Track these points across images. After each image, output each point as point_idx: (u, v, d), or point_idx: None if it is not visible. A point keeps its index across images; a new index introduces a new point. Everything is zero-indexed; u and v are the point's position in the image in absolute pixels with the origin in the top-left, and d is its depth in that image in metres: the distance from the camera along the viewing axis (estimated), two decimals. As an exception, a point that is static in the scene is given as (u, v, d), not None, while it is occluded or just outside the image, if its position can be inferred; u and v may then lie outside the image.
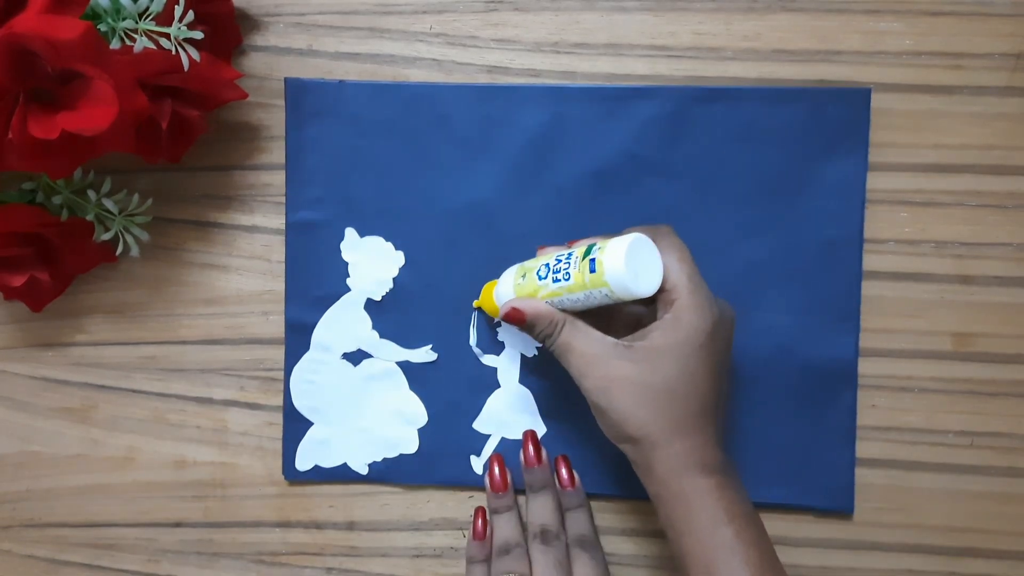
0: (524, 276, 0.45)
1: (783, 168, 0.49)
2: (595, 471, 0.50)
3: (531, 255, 0.50)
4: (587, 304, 0.42)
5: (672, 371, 0.40)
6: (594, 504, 0.51)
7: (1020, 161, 0.49)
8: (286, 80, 0.51)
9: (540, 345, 0.50)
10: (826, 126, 0.49)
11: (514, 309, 0.43)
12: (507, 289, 0.46)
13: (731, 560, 0.39)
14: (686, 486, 0.40)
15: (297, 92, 0.51)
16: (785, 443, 0.49)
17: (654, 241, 0.41)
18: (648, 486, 0.42)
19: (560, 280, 0.42)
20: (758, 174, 0.49)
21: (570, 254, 0.42)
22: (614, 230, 0.49)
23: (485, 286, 0.49)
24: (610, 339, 0.42)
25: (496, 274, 0.47)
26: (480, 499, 0.51)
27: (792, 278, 0.49)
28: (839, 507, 0.49)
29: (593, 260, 0.41)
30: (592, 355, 0.41)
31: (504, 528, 0.48)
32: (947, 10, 0.49)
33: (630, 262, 0.40)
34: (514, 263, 0.50)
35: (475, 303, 0.50)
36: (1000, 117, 0.49)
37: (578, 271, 0.41)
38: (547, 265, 0.43)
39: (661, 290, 0.41)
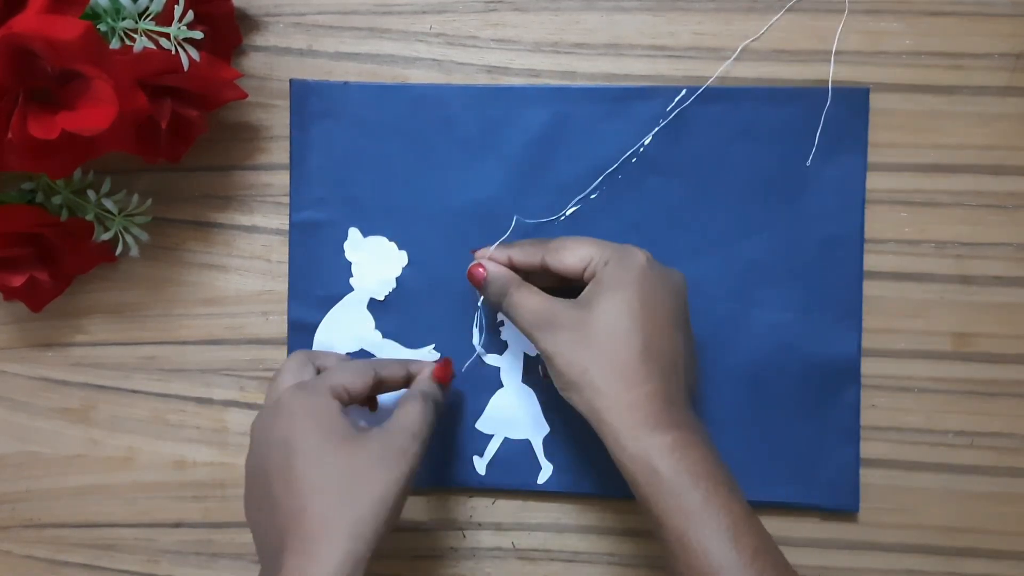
0: None
1: (783, 167, 0.49)
2: (596, 471, 0.50)
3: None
4: None
5: (610, 313, 0.41)
6: (594, 504, 0.51)
7: (1020, 161, 0.49)
8: (291, 81, 0.51)
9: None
10: (825, 125, 0.49)
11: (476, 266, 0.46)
12: None
13: (702, 530, 0.37)
14: (642, 444, 0.39)
15: (302, 93, 0.51)
16: (788, 442, 0.49)
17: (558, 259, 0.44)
18: (611, 453, 0.40)
19: None
20: (758, 173, 0.49)
21: None
22: (616, 228, 0.50)
23: None
24: (551, 298, 0.43)
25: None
26: (480, 499, 0.51)
27: (794, 276, 0.49)
28: (844, 506, 0.49)
29: None
30: (542, 309, 0.43)
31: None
32: (947, 10, 0.49)
33: None
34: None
35: None
36: (1000, 117, 0.49)
37: None
38: None
39: (584, 269, 0.43)
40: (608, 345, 0.41)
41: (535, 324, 0.43)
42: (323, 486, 0.40)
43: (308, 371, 0.46)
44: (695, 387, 0.44)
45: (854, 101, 0.49)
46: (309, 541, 0.39)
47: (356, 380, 0.45)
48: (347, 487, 0.40)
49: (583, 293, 0.43)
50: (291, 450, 0.41)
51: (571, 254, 0.43)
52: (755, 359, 0.49)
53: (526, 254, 0.45)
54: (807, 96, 0.49)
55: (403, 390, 0.48)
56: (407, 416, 0.44)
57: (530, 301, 0.44)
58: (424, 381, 0.47)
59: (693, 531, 0.37)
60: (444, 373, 0.47)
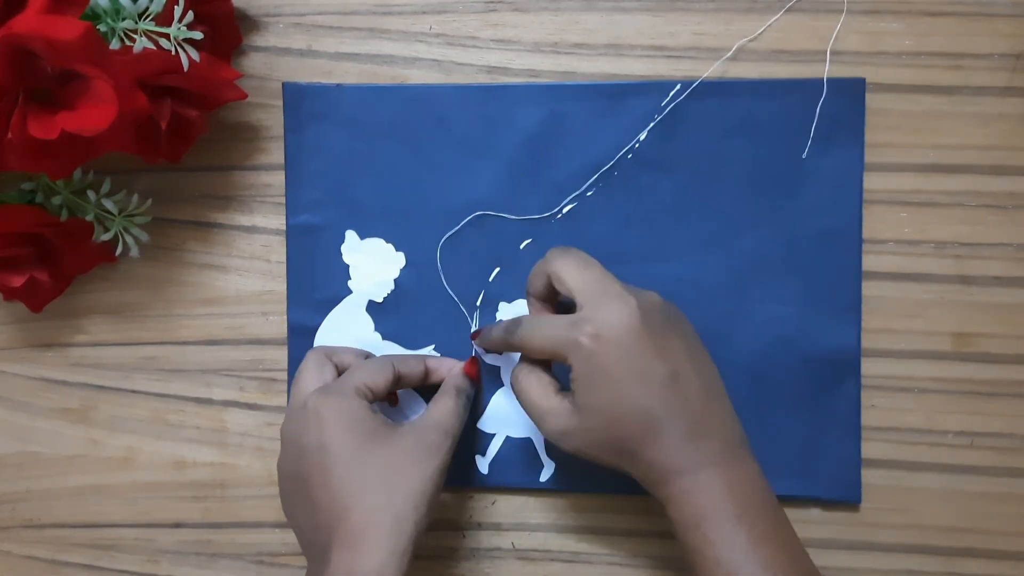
0: None
1: (779, 160, 0.49)
2: (596, 470, 0.50)
3: (532, 253, 0.50)
4: None
5: (600, 410, 0.41)
6: (594, 504, 0.51)
7: (1020, 161, 0.49)
8: (284, 85, 0.51)
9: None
10: (821, 117, 0.49)
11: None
12: None
13: (705, 571, 0.39)
14: (657, 496, 0.42)
15: (295, 96, 0.51)
16: (789, 435, 0.49)
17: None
18: None
19: None
20: (755, 167, 0.49)
21: None
22: (612, 225, 0.50)
23: None
24: (554, 393, 0.43)
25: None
26: (479, 499, 0.51)
27: (792, 269, 0.49)
28: (846, 498, 0.49)
29: None
30: (540, 407, 0.43)
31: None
32: (947, 10, 0.49)
33: None
34: (514, 262, 0.50)
35: None
36: (1000, 117, 0.49)
37: None
38: None
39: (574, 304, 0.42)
40: (611, 432, 0.41)
41: (539, 423, 0.43)
42: (363, 485, 0.41)
43: (328, 370, 0.46)
44: (718, 378, 0.43)
45: (850, 92, 0.49)
46: (356, 537, 0.40)
47: (378, 378, 0.45)
48: (385, 483, 0.41)
49: (571, 393, 0.42)
50: (327, 454, 0.42)
51: (537, 344, 0.43)
52: (754, 353, 0.49)
53: (498, 344, 0.46)
54: (803, 88, 0.49)
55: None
56: (439, 411, 0.45)
57: (530, 390, 0.44)
58: (457, 377, 0.48)
59: (700, 571, 0.40)
60: (474, 369, 0.49)
